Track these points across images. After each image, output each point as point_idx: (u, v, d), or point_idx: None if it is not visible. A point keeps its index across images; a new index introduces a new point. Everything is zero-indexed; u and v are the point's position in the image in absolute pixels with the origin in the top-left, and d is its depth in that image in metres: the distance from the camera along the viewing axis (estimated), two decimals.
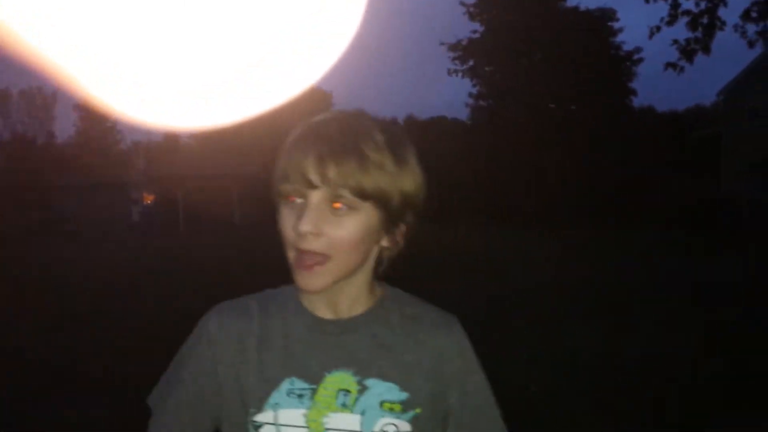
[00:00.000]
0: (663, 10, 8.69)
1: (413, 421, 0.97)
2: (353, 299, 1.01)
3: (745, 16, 8.46)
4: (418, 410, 0.97)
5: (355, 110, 0.99)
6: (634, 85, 31.46)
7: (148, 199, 34.73)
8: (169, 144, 60.85)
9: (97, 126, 57.28)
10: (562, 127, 28.37)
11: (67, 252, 17.86)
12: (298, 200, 0.93)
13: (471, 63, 32.02)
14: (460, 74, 32.14)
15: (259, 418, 0.95)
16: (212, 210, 30.35)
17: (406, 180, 0.95)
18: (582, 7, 30.83)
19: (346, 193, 0.91)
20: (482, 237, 18.62)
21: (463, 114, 32.26)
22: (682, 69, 8.60)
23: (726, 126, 24.25)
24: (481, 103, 32.63)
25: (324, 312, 1.01)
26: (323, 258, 0.92)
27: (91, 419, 4.16)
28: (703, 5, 8.45)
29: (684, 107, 46.89)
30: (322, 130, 0.94)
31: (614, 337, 6.01)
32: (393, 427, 0.96)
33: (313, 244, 0.92)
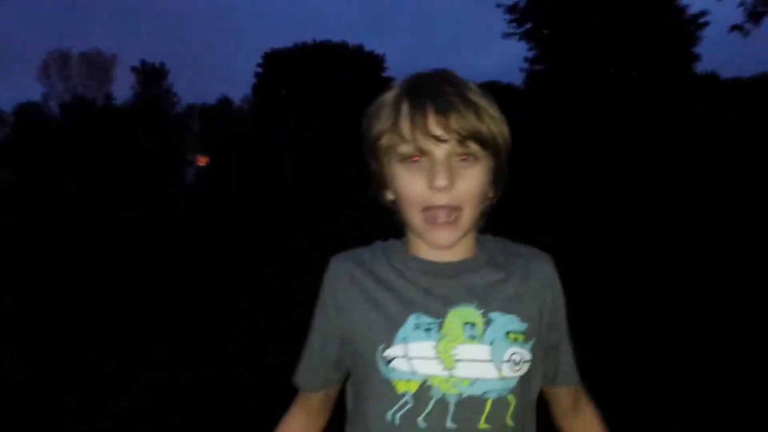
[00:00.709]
0: None
1: (533, 350, 1.02)
2: (466, 244, 1.05)
3: None
4: (535, 339, 1.03)
5: (437, 68, 1.01)
6: (699, 49, 30.22)
7: (202, 161, 35.41)
8: (223, 108, 61.72)
9: (153, 89, 58.40)
10: (622, 93, 27.54)
11: (120, 211, 18.36)
12: (422, 159, 0.95)
13: (528, 25, 31.26)
14: (516, 37, 31.45)
15: (390, 352, 0.98)
16: (264, 173, 30.76)
17: (504, 126, 1.00)
18: None
19: (472, 144, 0.95)
20: (543, 214, 18.34)
21: (516, 79, 31.55)
22: (747, 32, 8.21)
23: None
24: (537, 67, 31.88)
25: (432, 258, 1.04)
26: (457, 212, 0.96)
27: (154, 363, 4.29)
28: None
29: (749, 74, 44.77)
30: (428, 86, 0.96)
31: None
32: (519, 356, 1.00)
33: (445, 199, 0.95)
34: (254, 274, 8.01)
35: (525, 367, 1.01)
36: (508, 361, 0.99)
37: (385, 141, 0.98)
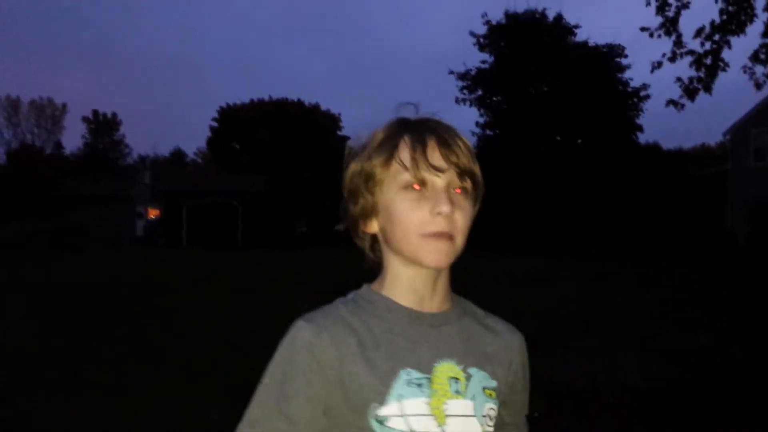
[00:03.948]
0: (669, 46, 8.84)
1: (499, 409, 1.04)
2: (443, 294, 1.05)
3: (755, 57, 8.56)
4: (502, 398, 1.05)
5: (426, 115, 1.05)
6: (641, 121, 31.62)
7: (153, 213, 34.80)
8: (176, 160, 61.19)
9: (104, 139, 57.66)
10: (567, 159, 28.47)
11: (67, 262, 17.87)
12: (422, 188, 0.98)
13: (479, 92, 32.26)
14: (467, 103, 32.38)
15: (384, 411, 0.95)
16: (216, 227, 30.42)
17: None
18: (591, 42, 31.13)
19: (467, 180, 0.99)
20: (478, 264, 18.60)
21: (469, 141, 32.34)
22: (682, 106, 8.73)
23: (731, 165, 24.36)
24: (488, 132, 32.80)
25: (412, 305, 1.03)
26: (451, 238, 0.98)
27: (87, 418, 4.17)
28: (708, 46, 8.58)
29: (690, 145, 47.08)
30: (427, 123, 1.01)
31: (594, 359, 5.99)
32: (493, 411, 1.02)
33: (445, 225, 0.96)
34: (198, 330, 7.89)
35: (494, 422, 1.03)
36: (485, 416, 1.00)
37: (380, 171, 1.00)
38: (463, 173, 0.98)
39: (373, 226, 1.04)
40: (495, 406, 1.02)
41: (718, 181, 25.19)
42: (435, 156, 0.96)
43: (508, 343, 1.09)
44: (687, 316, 8.94)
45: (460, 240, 0.99)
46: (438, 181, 0.97)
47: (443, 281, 1.05)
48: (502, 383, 1.05)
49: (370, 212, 1.03)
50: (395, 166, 0.98)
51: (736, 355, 6.45)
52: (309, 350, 0.97)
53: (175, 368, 5.83)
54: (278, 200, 32.61)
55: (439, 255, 0.97)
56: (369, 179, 1.01)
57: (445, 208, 0.95)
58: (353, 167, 1.03)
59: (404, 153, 0.98)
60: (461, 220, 0.98)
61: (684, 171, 28.91)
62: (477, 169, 1.01)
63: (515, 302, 9.56)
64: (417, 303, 1.03)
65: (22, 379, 5.40)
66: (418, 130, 0.99)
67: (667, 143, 49.47)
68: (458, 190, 0.99)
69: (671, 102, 8.80)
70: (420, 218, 0.97)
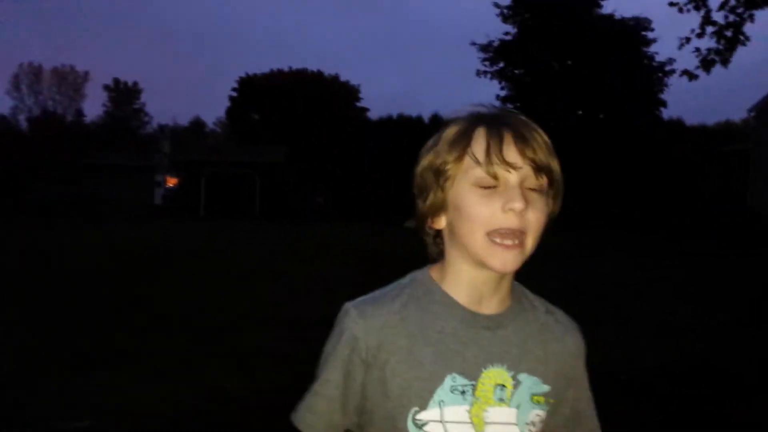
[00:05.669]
0: (697, 21, 8.64)
1: (548, 413, 1.01)
2: (505, 292, 1.01)
3: None
4: (552, 401, 1.01)
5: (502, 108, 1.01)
6: (665, 96, 31.06)
7: (171, 182, 35.05)
8: (196, 130, 61.38)
9: (125, 107, 57.89)
10: (589, 134, 28.12)
11: (85, 230, 18.05)
12: (494, 184, 0.93)
13: (501, 65, 31.83)
14: (489, 75, 31.98)
15: (424, 416, 0.94)
16: (234, 197, 30.56)
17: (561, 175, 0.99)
18: (617, 16, 30.50)
19: (543, 177, 0.94)
20: None
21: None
22: (696, 77, 8.57)
23: (755, 142, 23.90)
24: (509, 105, 32.43)
25: (470, 303, 1.00)
26: (522, 237, 0.93)
27: (98, 391, 4.21)
28: (731, 18, 8.38)
29: (714, 121, 46.31)
30: (503, 117, 0.97)
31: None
32: (539, 418, 0.99)
33: (517, 222, 0.92)
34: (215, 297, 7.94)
35: (540, 427, 1.00)
36: (530, 423, 0.98)
37: (453, 167, 0.96)
38: (539, 169, 0.93)
39: (441, 222, 1.01)
40: (542, 412, 0.99)
41: (742, 157, 24.73)
42: (510, 151, 0.92)
43: (567, 345, 1.05)
44: (705, 296, 8.86)
45: (531, 241, 0.94)
46: (511, 177, 0.92)
47: (507, 278, 1.01)
48: (556, 388, 1.01)
49: (439, 208, 0.99)
50: (467, 160, 0.94)
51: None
52: (353, 348, 0.97)
53: (188, 336, 5.88)
54: (296, 171, 32.64)
55: (505, 262, 0.93)
56: (440, 174, 0.97)
57: (517, 204, 0.90)
58: (424, 162, 0.99)
59: (478, 147, 0.93)
60: (535, 219, 0.93)
61: (706, 147, 28.42)
62: (555, 165, 0.96)
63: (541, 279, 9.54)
64: (476, 301, 1.00)
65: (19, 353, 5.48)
66: (493, 124, 0.95)
67: (691, 119, 48.83)
68: (534, 188, 0.94)
69: (685, 72, 8.65)
70: (490, 213, 0.92)
